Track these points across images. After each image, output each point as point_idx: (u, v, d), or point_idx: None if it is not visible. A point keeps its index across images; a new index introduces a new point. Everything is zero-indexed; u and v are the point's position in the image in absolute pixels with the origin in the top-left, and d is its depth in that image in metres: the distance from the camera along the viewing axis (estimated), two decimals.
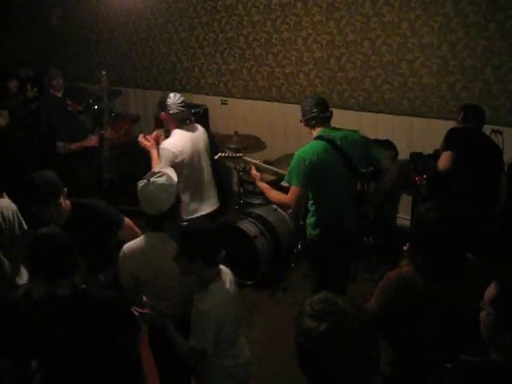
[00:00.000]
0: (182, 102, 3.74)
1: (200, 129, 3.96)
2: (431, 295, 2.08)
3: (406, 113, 4.92)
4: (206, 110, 5.75)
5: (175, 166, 3.56)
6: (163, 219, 2.53)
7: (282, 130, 5.65)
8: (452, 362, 1.56)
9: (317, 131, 3.23)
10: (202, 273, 2.34)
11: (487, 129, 4.43)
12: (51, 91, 5.97)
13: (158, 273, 2.53)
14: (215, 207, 4.01)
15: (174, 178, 2.63)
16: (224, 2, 5.68)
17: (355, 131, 3.34)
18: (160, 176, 2.52)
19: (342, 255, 3.43)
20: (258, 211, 4.68)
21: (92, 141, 5.20)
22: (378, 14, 4.77)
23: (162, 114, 3.77)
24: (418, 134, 4.90)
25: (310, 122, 3.23)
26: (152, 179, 2.49)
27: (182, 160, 3.72)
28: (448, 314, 2.04)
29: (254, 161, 3.65)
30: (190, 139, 3.80)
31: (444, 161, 3.68)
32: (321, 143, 3.15)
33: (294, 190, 3.11)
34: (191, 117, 4.01)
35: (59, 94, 5.98)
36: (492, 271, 1.95)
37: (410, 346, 2.17)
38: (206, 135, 4.00)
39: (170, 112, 3.72)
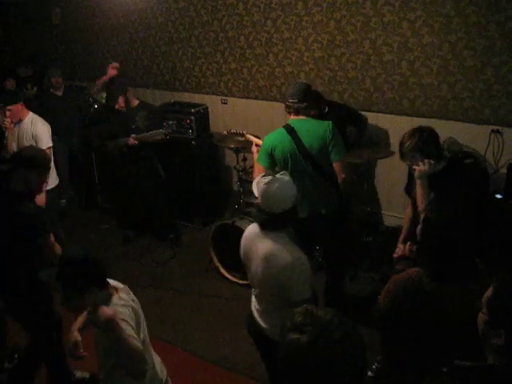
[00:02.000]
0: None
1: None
2: (437, 296, 2.08)
3: (407, 113, 4.92)
4: (206, 110, 5.73)
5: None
6: (271, 219, 2.43)
7: None
8: (446, 366, 1.56)
9: (290, 119, 3.52)
10: (96, 299, 2.12)
11: (487, 129, 4.45)
12: (51, 90, 6.00)
13: (250, 260, 2.57)
14: (57, 182, 4.71)
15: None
16: (224, 1, 5.68)
17: (325, 125, 3.44)
18: (284, 175, 2.46)
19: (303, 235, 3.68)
20: None
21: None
22: (379, 14, 4.77)
23: (19, 105, 4.43)
24: None
25: (286, 109, 3.56)
26: (278, 177, 2.42)
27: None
28: (453, 316, 2.04)
29: (256, 139, 4.23)
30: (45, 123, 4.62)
31: None
32: (282, 131, 3.47)
33: (258, 166, 3.60)
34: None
35: (59, 93, 6.01)
36: (493, 274, 1.96)
37: (414, 349, 2.17)
38: None
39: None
